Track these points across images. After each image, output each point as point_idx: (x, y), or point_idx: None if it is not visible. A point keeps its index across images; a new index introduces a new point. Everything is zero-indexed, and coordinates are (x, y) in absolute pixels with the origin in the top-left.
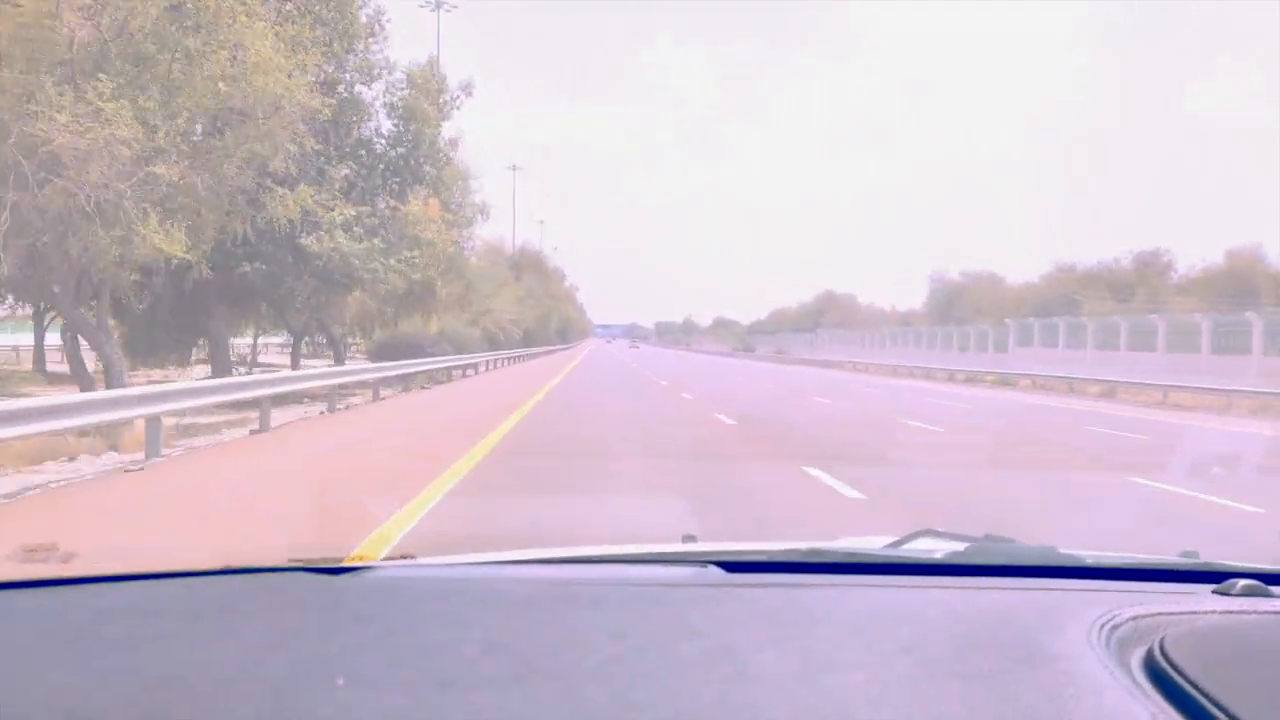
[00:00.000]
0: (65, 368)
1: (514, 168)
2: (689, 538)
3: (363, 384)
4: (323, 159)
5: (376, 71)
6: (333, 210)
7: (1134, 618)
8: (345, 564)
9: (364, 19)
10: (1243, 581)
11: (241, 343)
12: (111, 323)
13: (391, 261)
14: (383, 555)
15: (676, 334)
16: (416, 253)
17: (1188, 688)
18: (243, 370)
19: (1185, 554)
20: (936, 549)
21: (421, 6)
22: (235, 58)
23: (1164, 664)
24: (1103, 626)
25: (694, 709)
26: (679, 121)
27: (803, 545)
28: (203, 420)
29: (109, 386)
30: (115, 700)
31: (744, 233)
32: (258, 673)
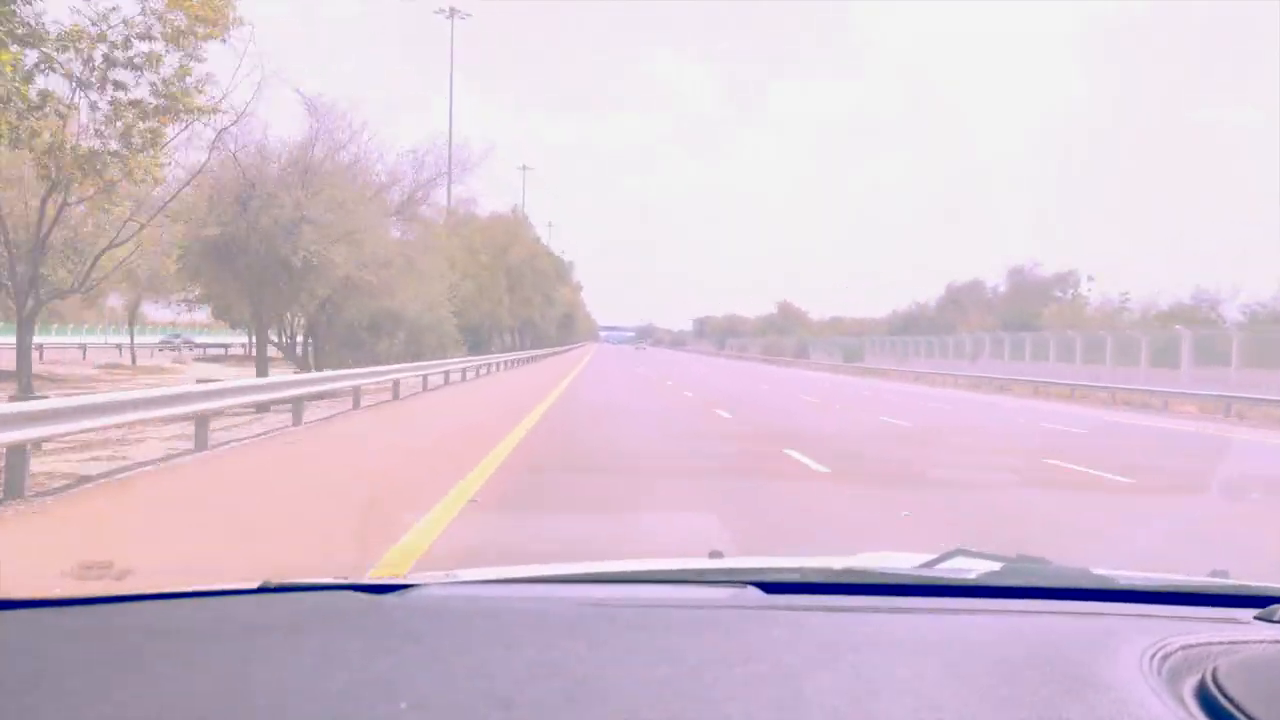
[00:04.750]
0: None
1: (524, 168)
2: (715, 554)
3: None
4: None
5: None
6: None
7: (1184, 646)
8: (389, 582)
9: None
10: None
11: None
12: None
13: None
14: (411, 567)
15: (739, 337)
16: None
17: (1243, 719)
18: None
19: (1215, 573)
20: (970, 569)
21: (515, 168)
22: None
23: (1218, 695)
24: (1153, 655)
25: None
26: (684, 127)
27: (837, 564)
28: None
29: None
30: (174, 717)
31: (753, 235)
32: (314, 693)
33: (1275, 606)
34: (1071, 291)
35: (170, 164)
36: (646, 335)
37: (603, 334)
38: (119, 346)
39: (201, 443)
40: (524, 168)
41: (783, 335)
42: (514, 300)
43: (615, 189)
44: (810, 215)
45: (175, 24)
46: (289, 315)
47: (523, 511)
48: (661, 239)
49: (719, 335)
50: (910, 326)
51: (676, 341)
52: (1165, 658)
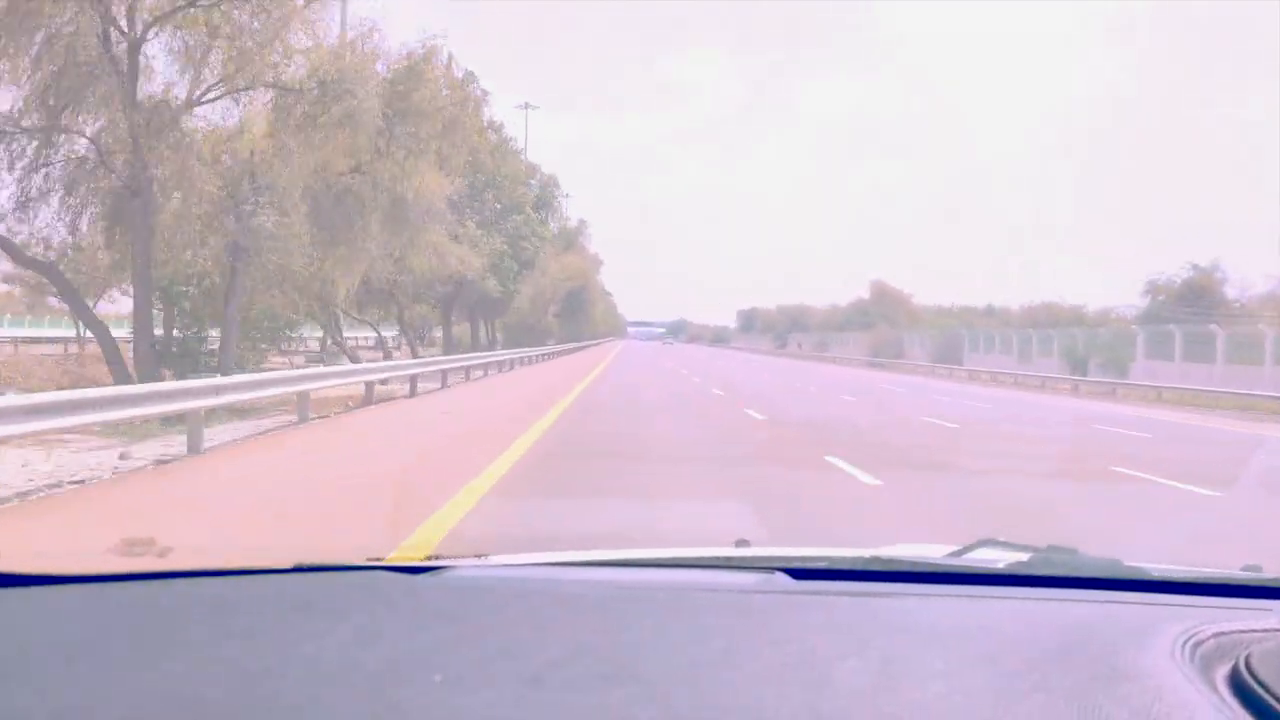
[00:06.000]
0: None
1: (526, 105)
2: (742, 542)
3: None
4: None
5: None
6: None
7: (1216, 634)
8: (423, 563)
9: None
10: None
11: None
12: None
13: None
14: (433, 549)
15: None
16: None
17: (1277, 706)
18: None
19: (1248, 568)
20: (999, 559)
21: (516, 108)
22: None
23: (1251, 681)
24: (1185, 643)
25: (781, 715)
26: (705, 127)
27: (865, 553)
28: None
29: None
30: (219, 689)
31: (777, 230)
32: (354, 668)
33: None
34: None
35: None
36: (679, 331)
37: (631, 330)
38: None
39: None
40: (526, 105)
41: (893, 327)
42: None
43: (636, 185)
44: (896, 194)
45: None
46: None
47: None
48: (689, 230)
49: (780, 330)
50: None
51: (718, 338)
52: (1197, 645)
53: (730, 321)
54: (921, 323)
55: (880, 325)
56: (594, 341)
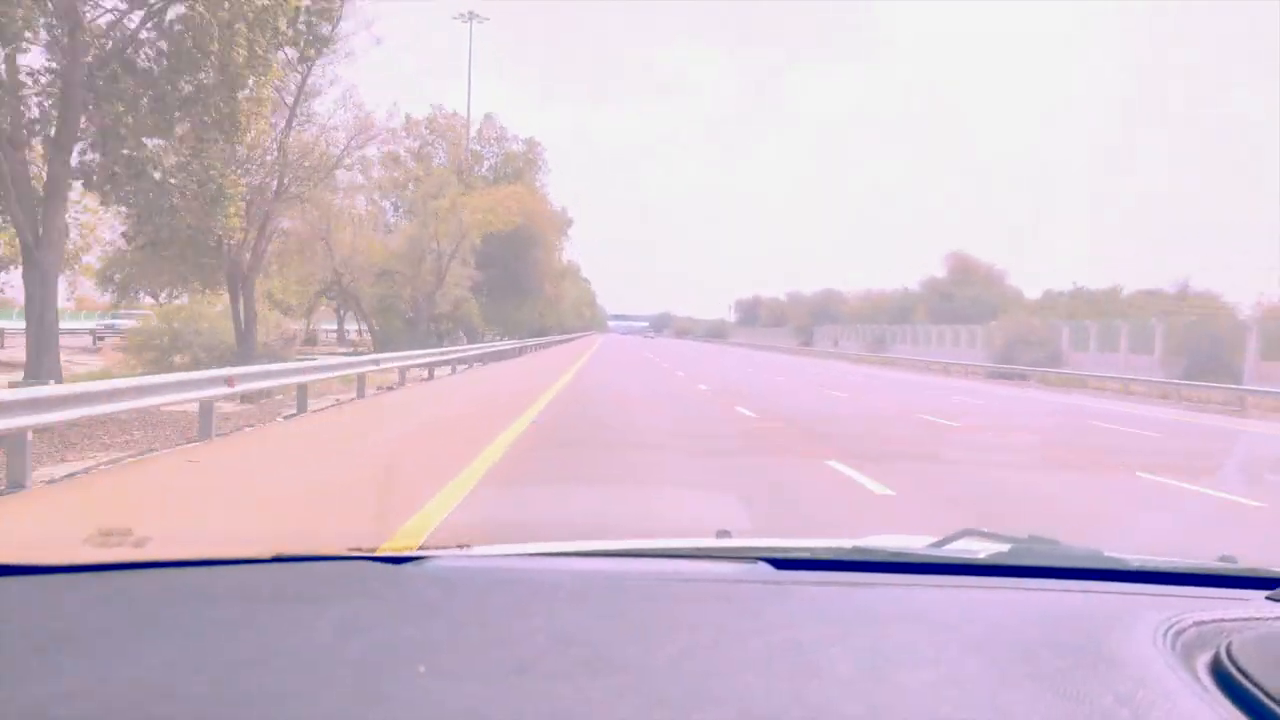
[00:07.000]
0: None
1: (470, 15)
2: (723, 533)
3: None
4: None
5: None
6: None
7: (1197, 623)
8: (404, 553)
9: None
10: None
11: None
12: None
13: None
14: (423, 539)
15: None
16: None
17: (1258, 694)
18: None
19: (1224, 558)
20: (980, 549)
21: (455, 19)
22: None
23: (1232, 670)
24: (1167, 631)
25: (768, 704)
26: (696, 118)
27: (847, 543)
28: None
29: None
30: (197, 681)
31: (767, 225)
32: (337, 658)
33: None
34: None
35: None
36: (663, 325)
37: (612, 324)
38: None
39: None
40: (471, 15)
41: (982, 312)
42: None
43: (623, 181)
44: (805, 213)
45: None
46: None
47: None
48: (676, 225)
49: (804, 325)
50: None
51: (715, 332)
52: (1179, 633)
53: (724, 314)
54: (1014, 306)
55: (1015, 312)
56: (563, 337)
